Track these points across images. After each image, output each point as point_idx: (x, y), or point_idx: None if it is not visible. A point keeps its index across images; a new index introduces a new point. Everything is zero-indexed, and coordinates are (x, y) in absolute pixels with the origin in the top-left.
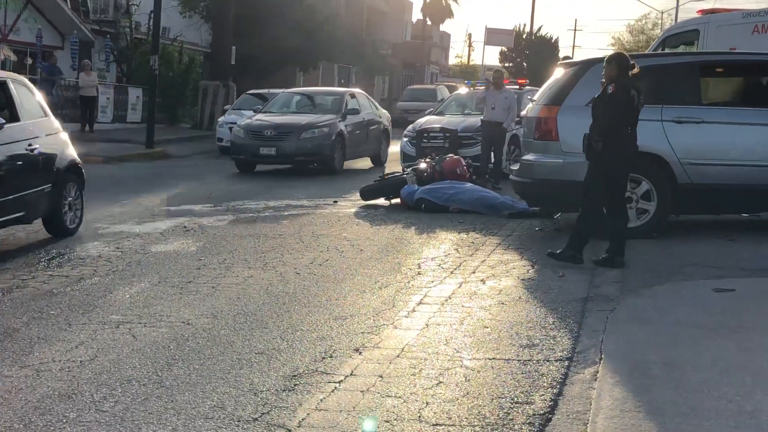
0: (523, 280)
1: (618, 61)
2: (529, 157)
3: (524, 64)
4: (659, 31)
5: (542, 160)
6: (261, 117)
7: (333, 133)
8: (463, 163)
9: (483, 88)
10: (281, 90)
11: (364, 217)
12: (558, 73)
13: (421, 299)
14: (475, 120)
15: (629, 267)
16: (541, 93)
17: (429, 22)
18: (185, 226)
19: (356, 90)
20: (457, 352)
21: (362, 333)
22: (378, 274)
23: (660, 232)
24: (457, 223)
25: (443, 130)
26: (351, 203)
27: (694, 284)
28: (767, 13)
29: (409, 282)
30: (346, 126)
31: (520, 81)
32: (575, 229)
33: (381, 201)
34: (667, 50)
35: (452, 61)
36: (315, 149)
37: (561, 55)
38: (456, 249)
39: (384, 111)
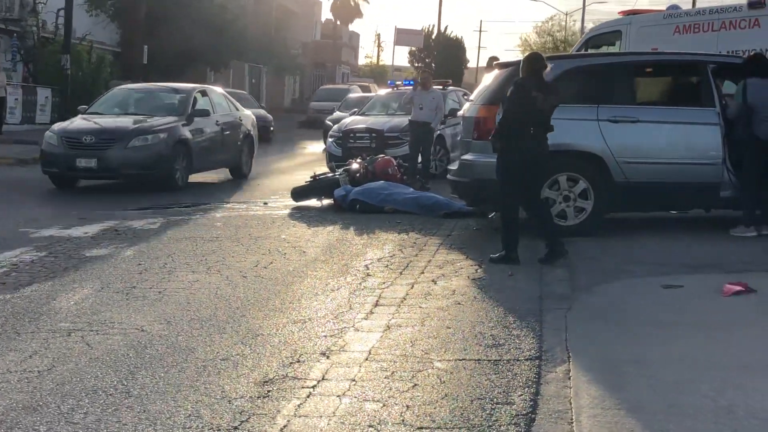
0: (473, 279)
1: (528, 62)
2: (468, 156)
3: (433, 64)
4: (564, 33)
5: (482, 160)
6: (82, 120)
7: (173, 139)
8: (395, 163)
9: (410, 88)
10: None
11: (299, 218)
12: (494, 74)
13: (377, 301)
14: (400, 120)
15: (575, 266)
16: (478, 93)
17: (338, 22)
18: (116, 230)
19: (209, 87)
20: (426, 353)
21: (325, 336)
22: (327, 277)
23: (597, 230)
24: (394, 224)
25: (369, 130)
26: (282, 204)
27: (643, 281)
28: (688, 14)
29: (360, 284)
30: (192, 131)
31: (442, 81)
32: (501, 231)
33: (313, 202)
34: (590, 51)
35: (362, 61)
36: (148, 160)
37: (468, 55)
38: (400, 249)
39: (248, 113)
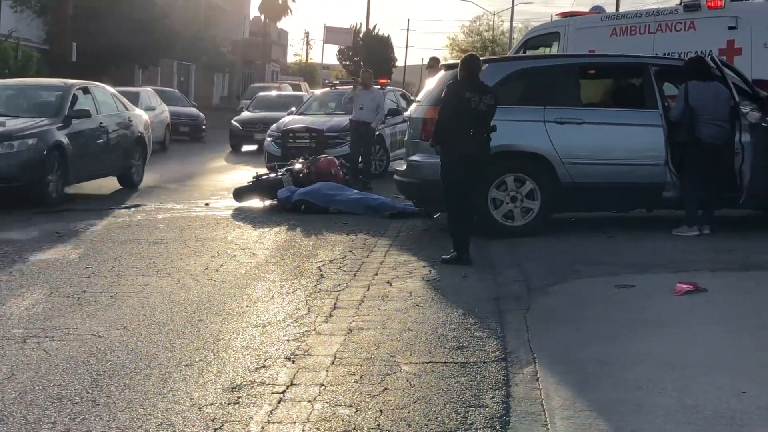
0: (428, 281)
1: (463, 63)
2: (415, 157)
3: (362, 63)
4: (492, 33)
5: (429, 161)
6: None
7: (45, 145)
8: (337, 164)
9: (351, 87)
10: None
11: (243, 219)
12: (440, 75)
13: (335, 303)
14: (340, 120)
15: (526, 266)
16: (425, 94)
17: (267, 20)
18: (57, 232)
19: (93, 83)
20: (392, 356)
21: (287, 340)
22: (281, 279)
23: (545, 229)
24: (341, 225)
25: (309, 129)
26: (223, 205)
27: (596, 281)
28: (624, 16)
29: (315, 286)
30: (69, 134)
31: (381, 81)
32: (451, 232)
33: (255, 203)
34: (529, 52)
35: (291, 59)
36: (13, 170)
37: (396, 54)
38: (350, 251)
39: (140, 112)
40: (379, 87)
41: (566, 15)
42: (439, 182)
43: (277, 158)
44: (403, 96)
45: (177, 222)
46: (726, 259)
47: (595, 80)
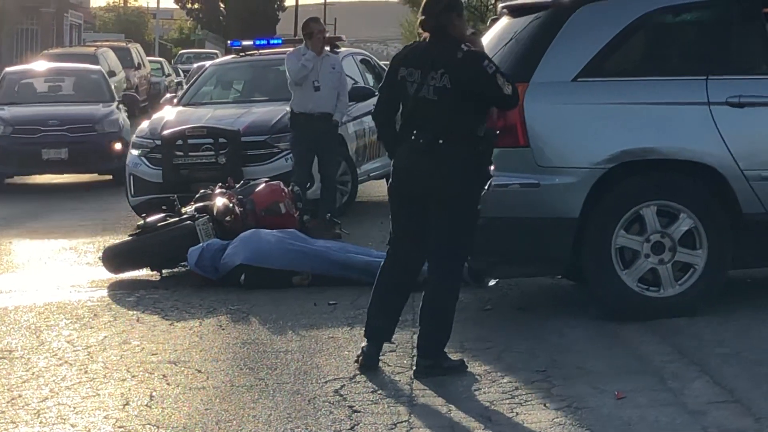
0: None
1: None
2: (506, 179)
3: (221, 4)
4: None
5: (504, 184)
6: None
7: None
8: (285, 192)
9: (295, 48)
10: None
11: (137, 305)
12: (509, 26)
13: None
14: (265, 111)
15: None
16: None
17: None
18: None
19: None
20: None
21: None
22: (280, 418)
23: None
24: (326, 308)
25: (213, 131)
26: (85, 281)
27: None
28: None
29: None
30: None
31: (333, 38)
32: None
33: (143, 272)
34: None
35: (98, 1)
36: None
37: None
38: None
39: None
40: (332, 50)
41: None
42: (517, 222)
43: (155, 188)
44: (365, 63)
45: (19, 315)
46: None
47: None
